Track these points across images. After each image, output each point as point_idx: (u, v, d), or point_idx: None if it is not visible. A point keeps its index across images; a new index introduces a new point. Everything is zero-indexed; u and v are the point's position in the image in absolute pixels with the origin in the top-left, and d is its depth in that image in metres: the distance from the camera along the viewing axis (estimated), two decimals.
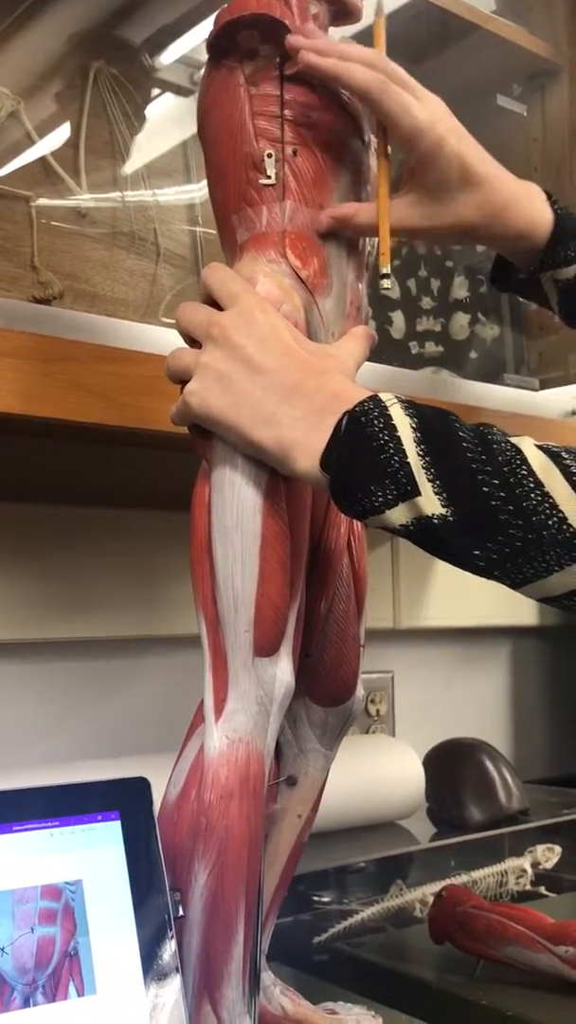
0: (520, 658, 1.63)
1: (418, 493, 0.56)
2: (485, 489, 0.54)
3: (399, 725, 1.43)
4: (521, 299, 0.83)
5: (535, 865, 1.10)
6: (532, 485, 0.54)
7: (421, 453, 0.56)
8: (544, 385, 1.42)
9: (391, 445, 0.56)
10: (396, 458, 0.56)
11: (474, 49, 1.37)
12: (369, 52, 0.68)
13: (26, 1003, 0.55)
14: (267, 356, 0.61)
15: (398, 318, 1.33)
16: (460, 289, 1.40)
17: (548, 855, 1.12)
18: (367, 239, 0.70)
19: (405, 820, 1.24)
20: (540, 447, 0.56)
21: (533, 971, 0.85)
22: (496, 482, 0.54)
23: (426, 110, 0.67)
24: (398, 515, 0.56)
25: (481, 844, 1.19)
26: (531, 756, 1.61)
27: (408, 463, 0.56)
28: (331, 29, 0.72)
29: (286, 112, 0.66)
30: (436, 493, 0.55)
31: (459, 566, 0.57)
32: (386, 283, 0.66)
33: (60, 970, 0.56)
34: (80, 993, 0.57)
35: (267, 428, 0.60)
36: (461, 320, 1.39)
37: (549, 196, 0.74)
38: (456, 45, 1.37)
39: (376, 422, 0.57)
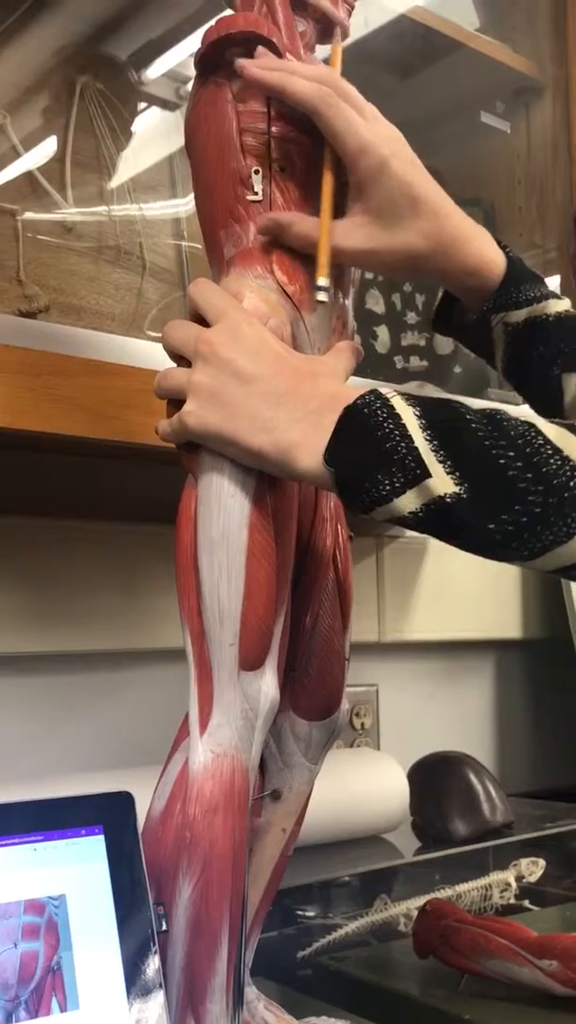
0: (504, 671, 1.63)
1: (428, 475, 0.56)
2: (501, 461, 0.55)
3: (384, 738, 1.43)
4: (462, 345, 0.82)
5: (519, 879, 1.10)
6: (550, 451, 0.55)
7: (428, 437, 0.56)
8: None
9: (396, 433, 0.57)
10: (403, 444, 0.56)
11: (458, 66, 1.39)
12: (320, 69, 0.67)
13: (9, 1019, 0.55)
14: (258, 366, 0.61)
15: (383, 333, 1.34)
16: None
17: (532, 869, 1.12)
18: None
19: (390, 834, 1.24)
20: (551, 421, 0.57)
21: (517, 985, 0.85)
22: (512, 454, 0.55)
23: (372, 130, 0.67)
24: (407, 502, 0.57)
25: (465, 858, 1.19)
26: (515, 769, 1.61)
27: (416, 448, 0.56)
28: (318, 47, 0.73)
29: (273, 129, 0.66)
30: (448, 472, 0.56)
31: (471, 546, 0.57)
32: (321, 296, 0.66)
33: (43, 985, 0.56)
34: (63, 1008, 0.56)
35: (265, 434, 0.61)
36: None
37: (499, 242, 0.74)
38: (440, 62, 1.39)
39: (379, 412, 0.57)
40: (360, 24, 1.31)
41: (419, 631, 1.44)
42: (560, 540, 0.55)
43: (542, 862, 1.13)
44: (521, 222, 1.51)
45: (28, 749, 1.09)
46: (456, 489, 0.55)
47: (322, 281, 0.66)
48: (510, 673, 1.64)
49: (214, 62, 0.66)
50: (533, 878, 1.12)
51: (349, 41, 0.76)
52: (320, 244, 0.66)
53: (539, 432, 0.56)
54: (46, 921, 0.57)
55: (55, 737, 1.11)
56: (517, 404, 1.39)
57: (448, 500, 0.56)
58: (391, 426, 0.57)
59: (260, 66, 0.65)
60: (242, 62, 0.66)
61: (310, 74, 0.66)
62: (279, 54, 0.66)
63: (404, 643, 1.44)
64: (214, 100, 0.67)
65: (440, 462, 0.56)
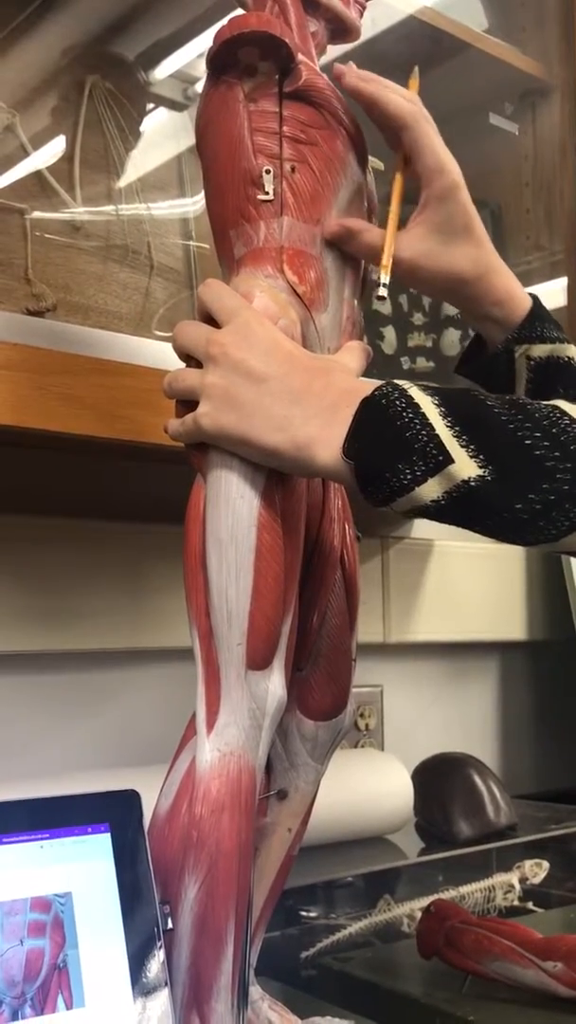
0: (509, 673, 1.63)
1: (451, 460, 0.56)
2: (527, 441, 0.55)
3: (388, 739, 1.43)
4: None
5: (523, 880, 1.10)
6: None
7: (449, 424, 0.56)
8: None
9: (416, 421, 0.57)
10: (423, 432, 0.56)
11: (466, 68, 1.38)
12: (407, 91, 0.72)
13: (14, 1016, 0.55)
14: (270, 365, 0.62)
15: (389, 333, 1.34)
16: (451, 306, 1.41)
17: (536, 870, 1.12)
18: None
19: (393, 835, 1.24)
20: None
21: (521, 986, 0.85)
22: (538, 434, 0.55)
23: (448, 154, 0.70)
24: (430, 490, 0.57)
25: (469, 859, 1.19)
26: (519, 771, 1.61)
27: (437, 435, 0.56)
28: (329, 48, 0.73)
29: (285, 129, 0.66)
30: (472, 456, 0.56)
31: (496, 530, 0.57)
32: (382, 291, 0.67)
33: (49, 983, 0.56)
34: (69, 1006, 0.56)
35: (280, 432, 0.61)
36: (452, 336, 1.40)
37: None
38: (448, 63, 1.38)
39: (398, 402, 0.58)
40: (368, 25, 1.31)
41: (424, 632, 1.44)
42: None
43: (546, 864, 1.13)
44: (528, 224, 1.50)
45: (34, 747, 1.09)
46: (480, 472, 0.55)
47: (384, 278, 0.67)
48: (515, 675, 1.64)
49: (226, 62, 0.66)
50: (537, 880, 1.12)
51: (357, 42, 0.76)
52: (386, 245, 0.68)
53: (564, 412, 0.56)
54: (52, 918, 0.58)
55: (61, 735, 1.11)
56: None
57: (473, 483, 0.56)
58: (410, 415, 0.57)
59: (357, 76, 0.69)
60: (340, 68, 0.68)
61: (402, 92, 0.70)
62: (291, 55, 0.66)
63: (409, 644, 1.44)
64: (225, 100, 0.67)
65: (463, 447, 0.56)
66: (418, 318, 1.37)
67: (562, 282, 1.49)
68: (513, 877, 1.10)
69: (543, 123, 1.48)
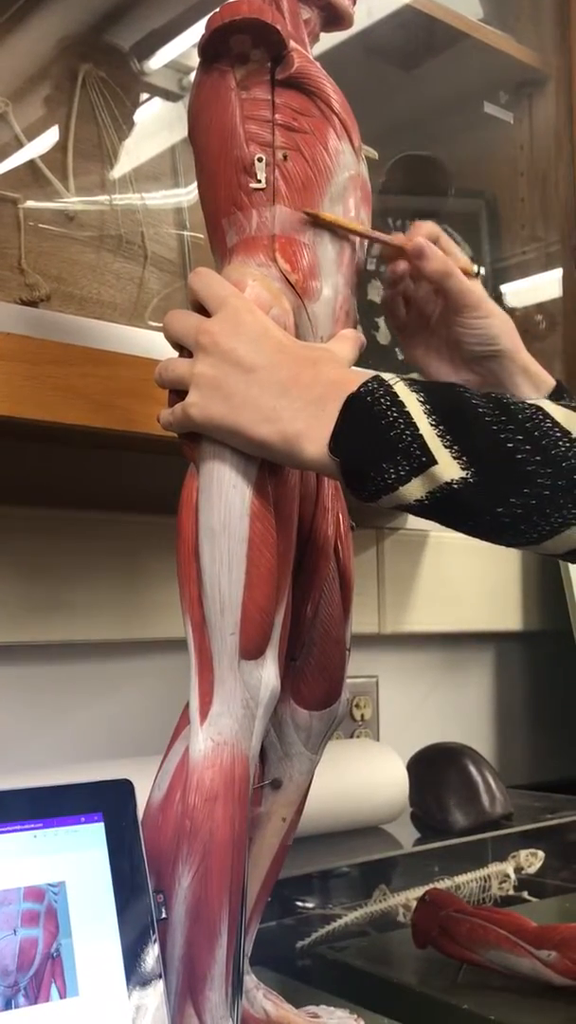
0: (504, 663, 1.63)
1: (434, 462, 0.56)
2: (509, 445, 0.55)
3: (383, 730, 1.43)
4: None
5: (518, 870, 1.10)
6: (559, 434, 0.55)
7: (433, 423, 0.56)
8: None
9: (400, 420, 0.56)
10: (407, 432, 0.56)
11: (462, 57, 1.38)
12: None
13: (8, 1005, 0.55)
14: (259, 355, 0.61)
15: (384, 324, 1.34)
16: None
17: (531, 860, 1.12)
18: (359, 243, 0.71)
19: (389, 825, 1.24)
20: (559, 404, 0.57)
21: (515, 975, 0.85)
22: (520, 437, 0.55)
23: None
24: (413, 490, 0.56)
25: (464, 849, 1.19)
26: (515, 761, 1.61)
27: (421, 435, 0.56)
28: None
29: (277, 116, 0.66)
30: (455, 457, 0.55)
31: (479, 531, 0.57)
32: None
33: (42, 972, 0.56)
34: (62, 995, 0.56)
35: (269, 424, 0.60)
36: None
37: None
38: (444, 53, 1.38)
39: (383, 400, 0.57)
40: (364, 14, 1.31)
41: (419, 623, 1.44)
42: (569, 522, 0.55)
43: (541, 853, 1.13)
44: (524, 214, 1.50)
45: (28, 739, 1.09)
46: (463, 474, 0.55)
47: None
48: (510, 665, 1.64)
49: (217, 49, 0.66)
50: (532, 869, 1.12)
51: (352, 31, 0.75)
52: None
53: (547, 415, 0.56)
54: (45, 908, 0.57)
55: (55, 727, 1.11)
56: None
57: (455, 486, 0.55)
58: (395, 413, 0.57)
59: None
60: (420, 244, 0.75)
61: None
62: (283, 42, 0.66)
63: (404, 635, 1.44)
64: (217, 88, 0.67)
65: (446, 447, 0.56)
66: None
67: (557, 273, 1.49)
68: (508, 867, 1.10)
69: (538, 112, 1.48)
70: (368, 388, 0.58)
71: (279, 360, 0.61)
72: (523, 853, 1.12)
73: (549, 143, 1.47)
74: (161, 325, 0.67)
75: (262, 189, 0.66)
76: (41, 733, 1.10)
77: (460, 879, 1.07)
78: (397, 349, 1.35)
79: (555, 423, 0.55)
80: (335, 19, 0.72)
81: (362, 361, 0.69)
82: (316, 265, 0.67)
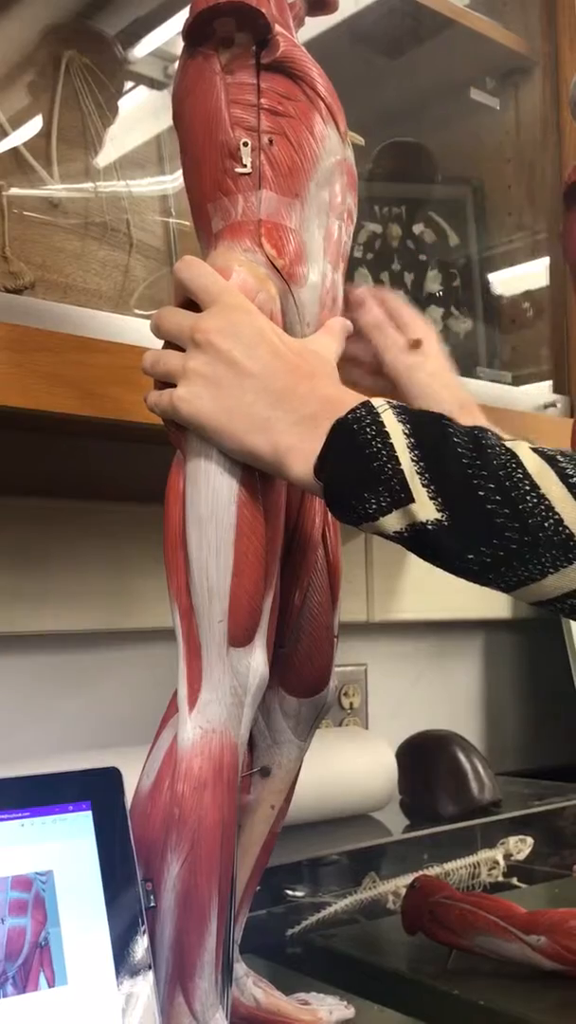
0: (493, 651, 1.64)
1: (412, 500, 0.56)
2: (480, 493, 0.54)
3: (372, 718, 1.43)
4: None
5: (507, 857, 1.10)
6: (528, 488, 0.54)
7: (415, 459, 0.56)
8: (519, 381, 1.43)
9: (384, 453, 0.56)
10: (389, 465, 0.56)
11: (448, 43, 1.38)
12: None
13: None
14: (254, 360, 0.61)
15: None
16: (433, 283, 1.41)
17: (520, 846, 1.12)
18: (343, 230, 0.70)
19: (378, 812, 1.24)
20: (535, 450, 0.56)
21: (505, 960, 0.85)
22: (492, 486, 0.54)
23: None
24: (392, 522, 0.57)
25: (454, 836, 1.19)
26: (503, 748, 1.62)
27: (401, 470, 0.56)
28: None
29: (262, 101, 0.66)
30: (431, 498, 0.55)
31: (452, 571, 0.58)
32: None
33: (31, 961, 0.56)
34: (51, 984, 0.56)
35: (261, 434, 0.60)
36: (434, 314, 1.39)
37: None
38: (431, 40, 1.38)
39: (368, 430, 0.57)
40: (351, 1, 1.30)
41: (408, 611, 1.44)
42: (534, 577, 0.54)
43: (530, 840, 1.14)
44: (511, 201, 1.50)
45: (16, 729, 1.09)
46: (438, 515, 0.55)
47: None
48: (498, 653, 1.64)
49: (202, 33, 0.66)
50: (521, 856, 1.12)
51: (339, 18, 0.75)
52: None
53: (520, 464, 0.55)
54: (33, 897, 0.57)
55: (43, 716, 1.11)
56: (508, 384, 1.39)
57: (429, 527, 0.55)
58: (379, 445, 0.56)
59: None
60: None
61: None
62: (268, 25, 0.65)
63: (393, 623, 1.44)
64: (202, 72, 0.66)
65: (424, 486, 0.55)
66: (400, 296, 1.36)
67: (544, 261, 1.49)
68: (497, 853, 1.10)
69: (525, 99, 1.48)
70: (356, 415, 0.58)
71: (275, 368, 0.61)
72: (512, 840, 1.13)
73: (536, 130, 1.47)
74: (147, 313, 0.66)
75: (247, 174, 0.66)
76: (29, 722, 1.10)
77: (449, 866, 1.07)
78: None
79: (526, 475, 0.54)
80: (320, 3, 0.72)
81: None
82: (303, 251, 0.67)
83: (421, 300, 1.39)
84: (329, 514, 0.74)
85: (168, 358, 0.64)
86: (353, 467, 0.57)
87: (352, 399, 0.59)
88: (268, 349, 0.61)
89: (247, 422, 0.60)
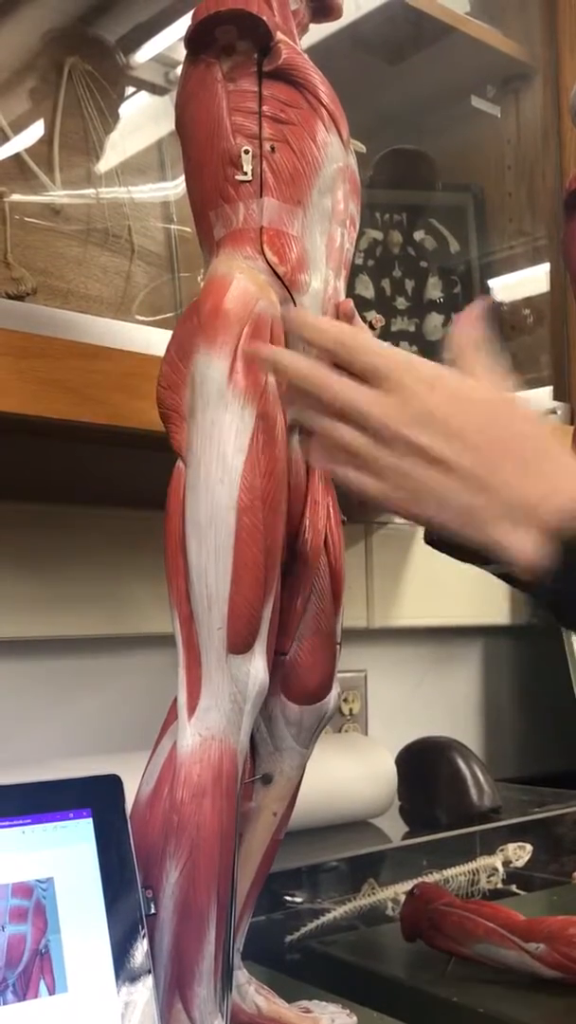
0: (492, 657, 1.64)
1: None
2: None
3: (372, 724, 1.43)
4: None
5: (506, 863, 1.10)
6: None
7: None
8: (519, 388, 1.43)
9: None
10: None
11: (449, 51, 1.38)
12: None
13: None
14: (456, 451, 0.57)
15: (370, 319, 1.34)
16: (434, 290, 1.41)
17: (519, 853, 1.12)
18: (346, 237, 0.70)
19: (377, 819, 1.24)
20: None
21: (504, 968, 0.85)
22: None
23: None
24: None
25: (453, 843, 1.19)
26: (503, 755, 1.62)
27: None
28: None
29: (264, 108, 0.66)
30: None
31: None
32: None
33: (31, 968, 0.56)
34: (51, 991, 0.56)
35: (463, 522, 0.57)
36: (435, 320, 1.40)
37: None
38: (431, 47, 1.38)
39: None
40: (352, 7, 1.30)
41: (408, 617, 1.44)
42: None
43: (529, 847, 1.14)
44: (511, 208, 1.50)
45: (15, 735, 1.09)
46: None
47: None
48: (498, 659, 1.64)
49: (204, 41, 0.66)
50: (520, 863, 1.12)
51: (340, 24, 0.75)
52: None
53: None
54: (34, 904, 0.57)
55: (43, 722, 1.11)
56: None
57: None
58: None
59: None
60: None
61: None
62: (269, 33, 0.65)
63: (393, 629, 1.44)
64: (204, 79, 0.66)
65: None
66: (401, 302, 1.37)
67: (545, 267, 1.49)
68: (497, 860, 1.10)
69: (525, 106, 1.48)
70: None
71: (479, 454, 0.57)
72: (511, 846, 1.13)
73: (536, 137, 1.47)
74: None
75: (249, 181, 0.66)
76: (29, 729, 1.10)
77: (448, 872, 1.07)
78: (385, 344, 1.34)
79: None
80: (324, 10, 0.72)
81: None
82: (305, 258, 0.67)
83: (422, 307, 1.39)
84: (332, 519, 0.73)
85: (352, 436, 0.59)
86: None
87: (569, 493, 0.56)
88: (473, 434, 0.57)
89: (444, 511, 0.58)
